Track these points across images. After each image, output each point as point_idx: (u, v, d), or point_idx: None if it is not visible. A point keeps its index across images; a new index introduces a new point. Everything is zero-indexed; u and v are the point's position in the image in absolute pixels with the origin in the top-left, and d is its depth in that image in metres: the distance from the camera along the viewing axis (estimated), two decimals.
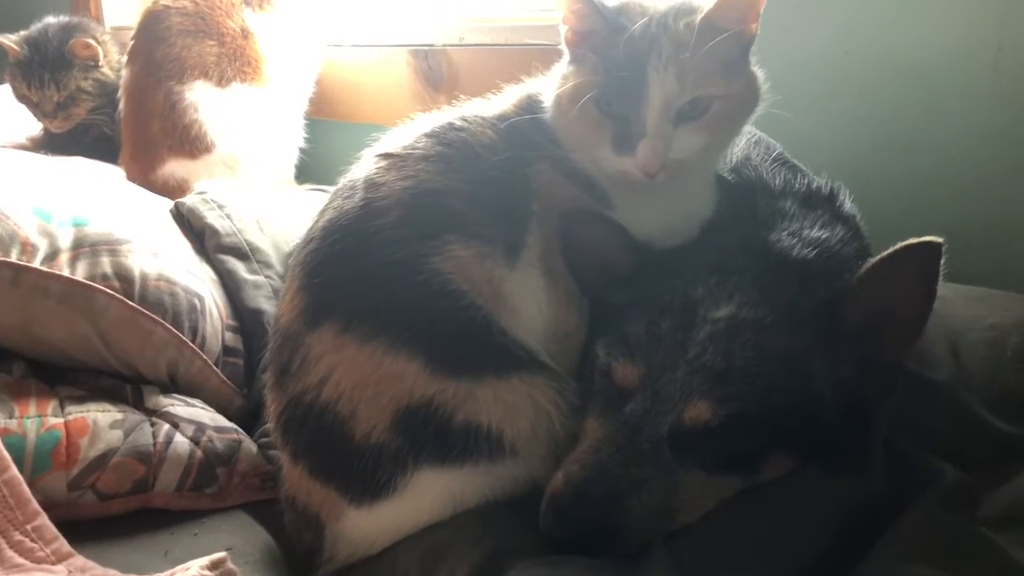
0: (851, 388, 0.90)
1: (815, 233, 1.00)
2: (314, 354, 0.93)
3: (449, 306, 0.91)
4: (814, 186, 1.08)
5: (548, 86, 1.01)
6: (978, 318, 1.08)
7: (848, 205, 1.09)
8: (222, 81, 1.97)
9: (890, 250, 0.88)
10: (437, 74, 2.00)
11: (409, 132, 1.03)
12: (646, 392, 0.88)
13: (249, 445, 1.18)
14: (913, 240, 0.87)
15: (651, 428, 0.86)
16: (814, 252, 0.97)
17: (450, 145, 0.98)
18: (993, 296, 1.15)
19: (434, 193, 0.95)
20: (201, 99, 1.94)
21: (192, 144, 1.94)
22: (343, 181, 1.04)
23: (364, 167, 1.01)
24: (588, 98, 0.93)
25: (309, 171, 2.16)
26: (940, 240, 0.86)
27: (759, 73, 0.98)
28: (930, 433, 0.95)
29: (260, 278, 1.35)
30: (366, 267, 0.93)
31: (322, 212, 1.02)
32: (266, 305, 1.31)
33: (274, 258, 1.38)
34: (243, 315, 1.31)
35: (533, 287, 0.95)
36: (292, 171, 2.13)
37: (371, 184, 0.97)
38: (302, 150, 2.13)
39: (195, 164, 1.94)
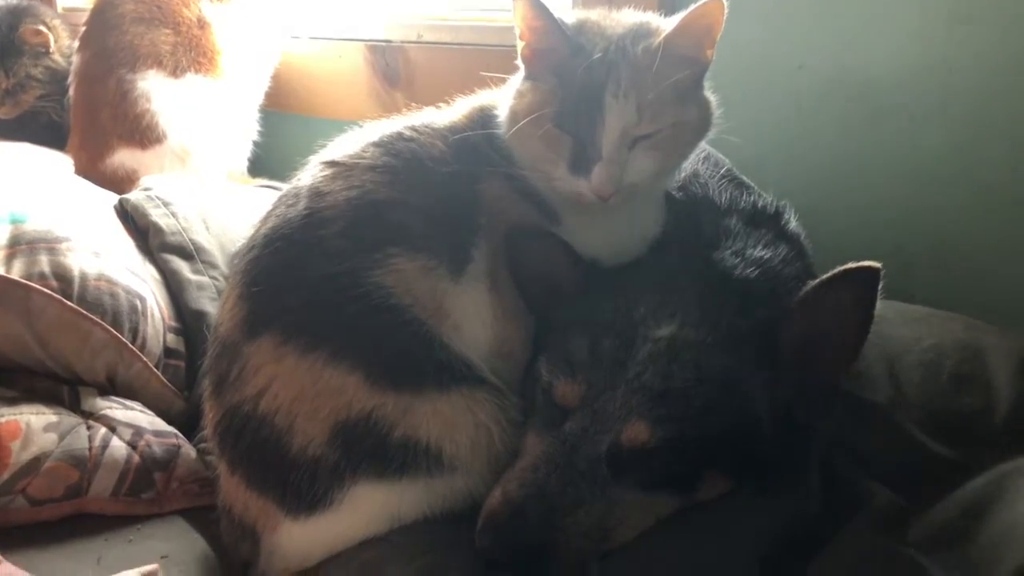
0: (788, 409, 0.91)
1: (758, 252, 1.01)
2: (252, 365, 0.92)
3: (390, 320, 0.90)
4: (760, 204, 1.09)
5: (502, 100, 1.00)
6: (917, 339, 1.10)
7: (793, 224, 1.10)
8: (176, 71, 1.93)
9: (828, 274, 0.89)
10: (394, 71, 1.99)
11: (357, 140, 1.02)
12: (586, 411, 0.88)
13: (188, 450, 1.16)
14: (851, 265, 0.88)
15: (590, 447, 0.87)
16: (756, 272, 0.98)
17: (398, 156, 0.97)
18: (933, 316, 1.17)
19: (379, 205, 0.94)
20: (154, 89, 1.90)
21: (143, 134, 1.90)
22: (287, 187, 1.02)
23: (309, 174, 0.99)
24: (545, 117, 0.92)
25: (262, 164, 2.13)
26: (878, 265, 0.87)
27: (712, 99, 0.99)
28: (866, 455, 0.97)
29: (204, 279, 1.33)
30: (307, 278, 0.92)
31: (265, 219, 1.00)
32: (210, 307, 1.29)
33: (219, 258, 1.36)
34: (186, 316, 1.28)
35: (478, 302, 0.95)
36: (245, 164, 2.10)
37: (315, 193, 0.96)
38: (255, 143, 2.10)
39: (145, 154, 1.91)
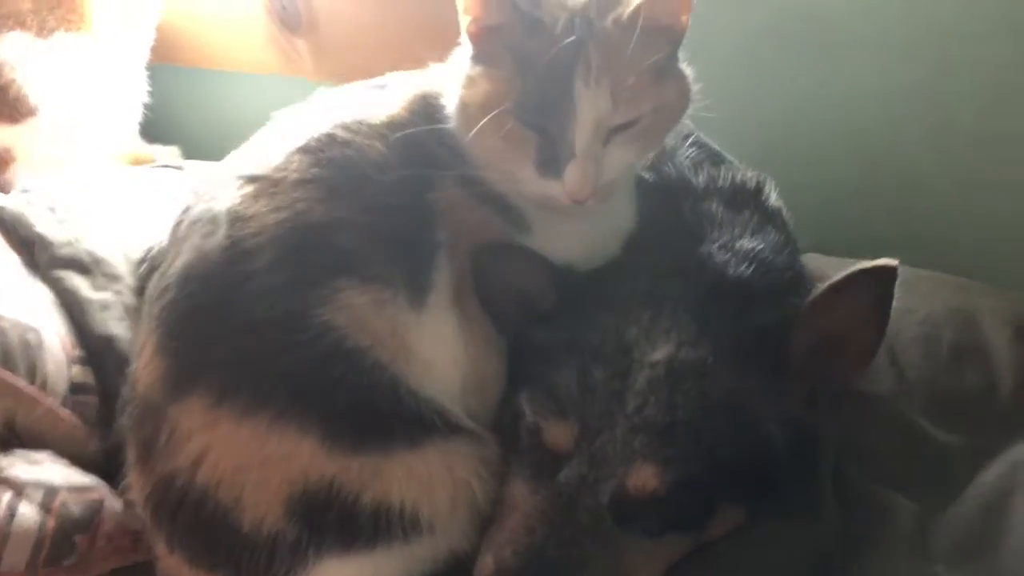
0: (797, 422, 0.82)
1: (748, 243, 0.91)
2: (182, 431, 0.78)
3: (345, 369, 0.76)
4: (739, 179, 0.99)
5: (448, 85, 0.86)
6: (910, 311, 1.03)
7: (774, 198, 1.00)
8: (43, 31, 1.68)
9: (842, 275, 0.79)
10: (293, 15, 1.79)
11: (278, 145, 0.85)
12: (582, 455, 0.77)
13: (113, 503, 1.00)
14: (867, 264, 0.79)
15: (590, 497, 0.76)
16: (750, 268, 0.88)
17: (332, 164, 0.82)
18: (920, 280, 1.10)
19: (317, 228, 0.79)
20: (18, 53, 1.65)
21: (12, 107, 1.66)
22: (198, 208, 0.86)
23: (226, 194, 0.83)
24: (506, 113, 0.78)
25: (155, 127, 1.91)
26: (895, 263, 0.78)
27: (688, 72, 0.86)
28: (876, 456, 0.89)
29: (108, 295, 1.14)
30: (239, 325, 0.77)
31: (176, 248, 0.84)
32: (118, 328, 1.11)
33: (123, 268, 1.17)
34: (91, 343, 1.11)
35: (446, 334, 0.82)
36: (136, 129, 1.87)
37: (236, 217, 0.80)
38: (146, 105, 1.88)
39: (18, 129, 1.67)
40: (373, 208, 0.80)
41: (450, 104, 0.84)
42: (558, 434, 0.78)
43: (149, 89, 1.87)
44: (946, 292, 1.07)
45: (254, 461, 0.76)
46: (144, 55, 1.86)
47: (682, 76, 0.85)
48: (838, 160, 1.33)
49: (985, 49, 1.20)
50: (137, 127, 1.87)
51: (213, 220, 0.81)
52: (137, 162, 1.76)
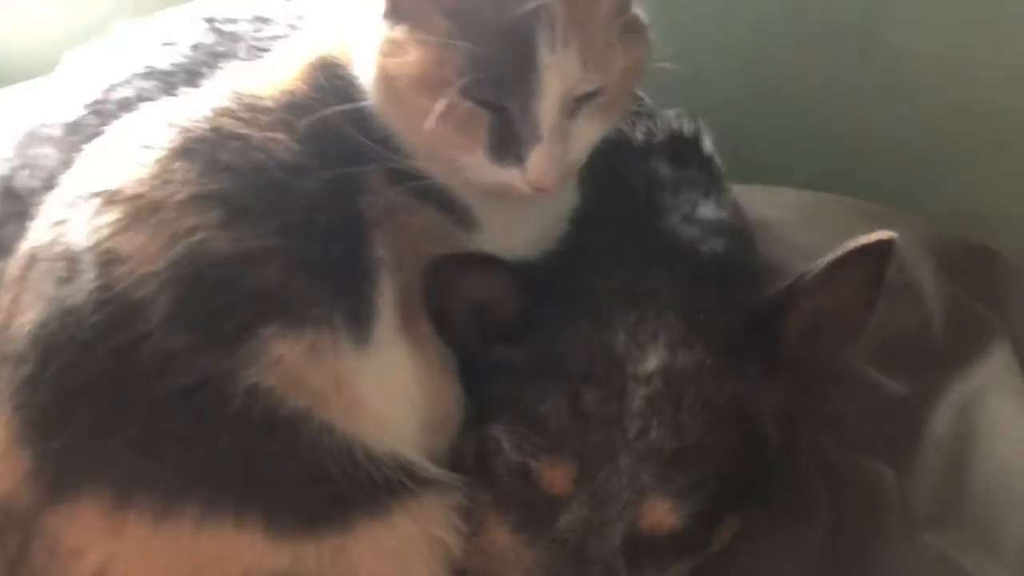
0: (782, 407, 0.75)
1: (710, 211, 0.81)
2: (69, 544, 0.59)
3: (285, 439, 0.60)
4: (674, 128, 0.88)
5: (356, 48, 0.67)
6: (828, 248, 0.98)
7: (709, 144, 0.90)
8: None
9: (840, 253, 0.71)
10: None
11: (136, 146, 0.64)
12: (583, 496, 0.65)
13: None
14: (866, 239, 0.71)
15: (598, 542, 0.65)
16: (721, 241, 0.78)
17: (232, 172, 0.62)
18: (829, 206, 1.06)
19: (224, 263, 0.60)
20: None
21: None
22: (40, 239, 0.63)
23: (80, 219, 0.61)
24: (450, 89, 0.61)
25: None
26: (894, 236, 0.70)
27: (643, 16, 0.72)
28: (848, 423, 0.85)
29: None
30: (138, 404, 0.58)
31: (12, 296, 0.62)
32: None
33: None
34: None
35: (399, 371, 0.67)
36: None
37: (108, 257, 0.59)
38: None
39: None
40: (294, 228, 0.62)
41: (364, 74, 0.66)
42: (554, 475, 0.66)
43: None
44: (858, 222, 1.01)
45: (181, 571, 0.59)
46: None
47: (643, 26, 0.71)
48: (707, 69, 1.24)
49: None
50: None
51: (70, 260, 0.60)
52: None
